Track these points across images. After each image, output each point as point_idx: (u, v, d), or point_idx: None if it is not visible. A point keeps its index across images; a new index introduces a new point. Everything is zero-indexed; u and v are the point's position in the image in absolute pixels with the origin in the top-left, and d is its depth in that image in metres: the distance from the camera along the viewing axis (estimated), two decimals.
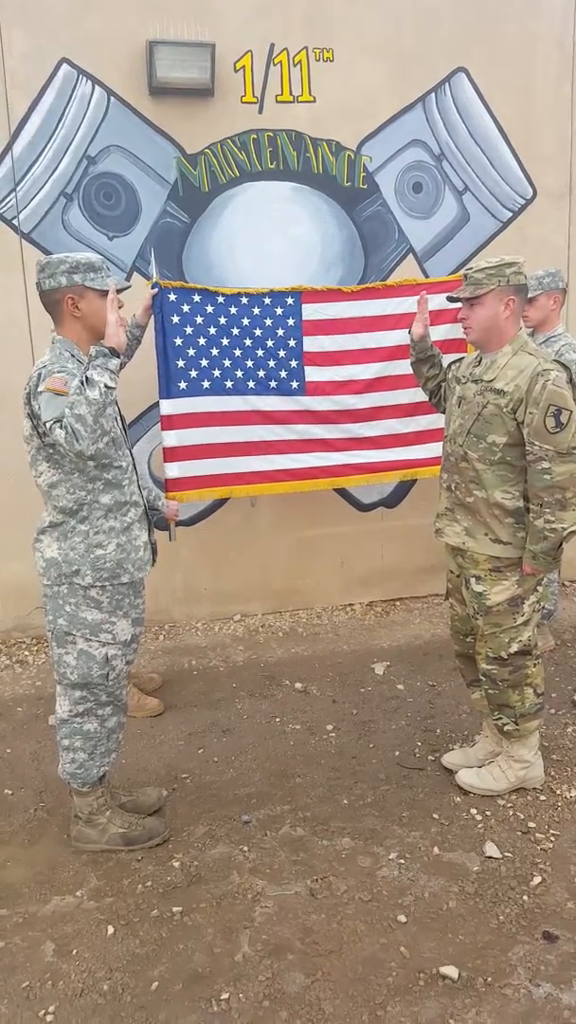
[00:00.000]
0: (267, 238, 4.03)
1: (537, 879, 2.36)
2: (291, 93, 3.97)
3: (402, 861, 2.46)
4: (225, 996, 2.00)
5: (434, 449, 3.89)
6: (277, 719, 3.35)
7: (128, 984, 2.05)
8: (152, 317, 3.53)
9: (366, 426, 3.94)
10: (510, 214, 4.32)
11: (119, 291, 2.30)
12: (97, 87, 3.75)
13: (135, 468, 2.48)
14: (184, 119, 3.86)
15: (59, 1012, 1.97)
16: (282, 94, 3.96)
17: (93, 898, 2.35)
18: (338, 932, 2.20)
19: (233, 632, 4.24)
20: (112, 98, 3.78)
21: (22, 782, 2.94)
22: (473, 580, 2.64)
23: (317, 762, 3.02)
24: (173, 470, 3.71)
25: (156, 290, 3.50)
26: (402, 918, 2.23)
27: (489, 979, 2.04)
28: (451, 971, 2.05)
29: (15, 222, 3.76)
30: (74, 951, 2.16)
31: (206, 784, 2.91)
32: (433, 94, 4.13)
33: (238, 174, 3.97)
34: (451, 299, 2.65)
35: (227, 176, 3.96)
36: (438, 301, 3.53)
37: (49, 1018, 1.96)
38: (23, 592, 3.92)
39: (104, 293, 2.27)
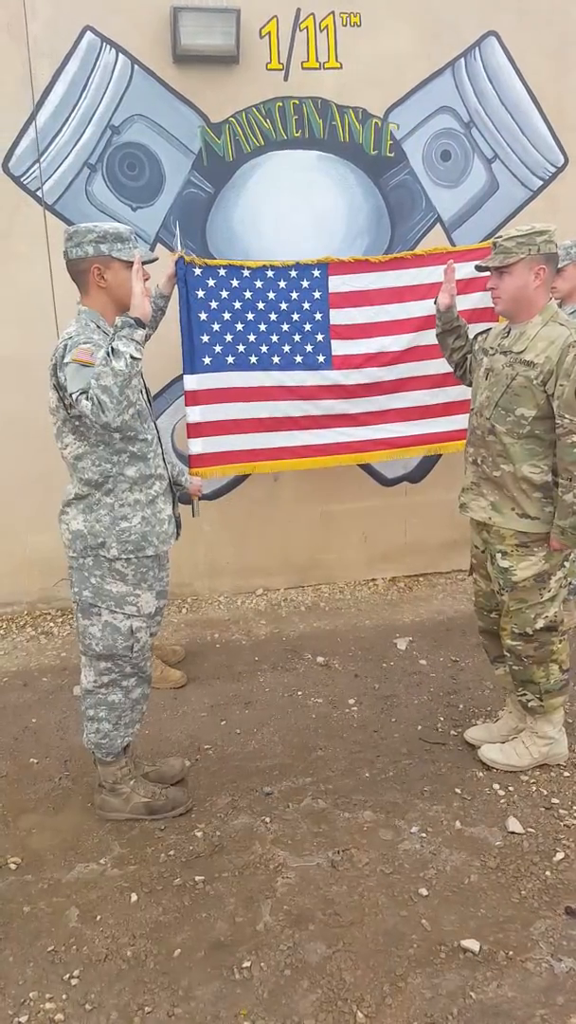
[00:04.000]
0: (292, 208, 3.96)
1: (560, 855, 2.36)
2: (317, 60, 3.88)
3: (424, 835, 2.46)
4: (247, 964, 2.02)
5: (460, 421, 3.83)
6: (299, 692, 3.36)
7: (151, 951, 2.08)
8: (176, 290, 3.50)
9: (392, 398, 3.89)
10: (541, 183, 4.22)
11: (145, 263, 2.28)
12: (121, 55, 3.70)
13: (160, 441, 2.47)
14: (208, 87, 3.80)
15: (83, 976, 2.01)
16: (308, 61, 3.88)
17: (117, 866, 2.38)
18: (359, 904, 2.21)
19: (255, 606, 4.25)
20: (136, 66, 3.72)
21: (47, 751, 2.98)
22: (499, 555, 2.61)
23: (339, 735, 3.03)
24: (197, 446, 3.70)
25: (178, 256, 3.47)
26: (424, 891, 2.24)
27: (511, 953, 2.04)
28: (472, 944, 2.05)
29: (39, 193, 3.74)
30: (98, 917, 2.19)
31: (228, 755, 2.92)
32: (463, 59, 4.02)
33: (263, 143, 3.90)
34: (479, 268, 2.60)
35: (252, 145, 3.89)
36: (468, 270, 3.45)
37: (74, 982, 1.99)
38: (48, 564, 3.95)
39: (131, 264, 2.25)
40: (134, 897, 2.26)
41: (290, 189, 3.95)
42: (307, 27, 3.84)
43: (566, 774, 2.73)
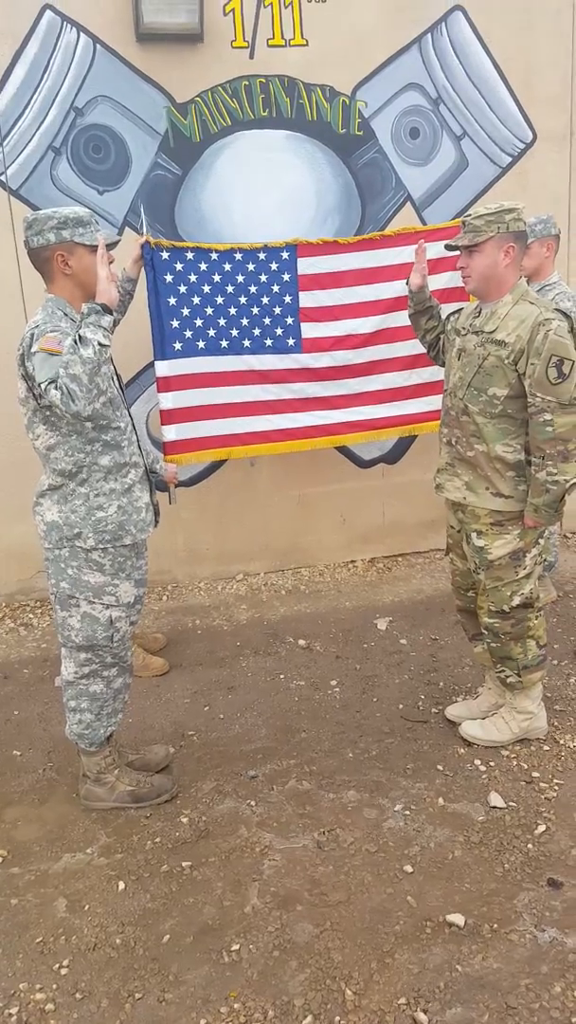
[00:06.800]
0: (261, 189, 3.93)
1: (541, 827, 2.39)
2: (283, 37, 3.83)
3: (407, 812, 2.49)
4: (236, 947, 2.04)
5: (434, 403, 3.84)
6: (281, 676, 3.37)
7: (140, 937, 2.09)
8: (144, 275, 3.46)
9: (364, 381, 3.89)
10: (510, 159, 4.21)
11: (109, 245, 2.25)
12: (82, 34, 3.62)
13: (134, 429, 2.45)
14: (173, 66, 3.74)
15: (73, 965, 2.02)
16: (273, 38, 3.82)
17: (103, 855, 2.39)
18: (345, 883, 2.23)
19: (236, 591, 4.25)
20: (98, 46, 3.65)
21: (30, 743, 2.97)
22: (474, 535, 2.63)
23: (322, 717, 3.05)
24: (170, 432, 3.67)
25: (143, 241, 3.42)
26: (408, 868, 2.27)
27: (495, 925, 2.07)
28: (457, 919, 2.08)
29: (3, 179, 3.67)
30: (86, 907, 2.20)
31: (212, 741, 2.93)
32: (429, 34, 3.99)
33: (230, 123, 3.85)
34: (449, 248, 2.58)
35: (218, 125, 3.84)
36: (437, 249, 3.45)
37: (64, 971, 2.00)
38: (26, 555, 3.92)
39: (95, 249, 2.22)
40: (121, 885, 2.26)
41: (259, 169, 3.91)
42: (272, 3, 3.78)
43: (546, 748, 2.77)
